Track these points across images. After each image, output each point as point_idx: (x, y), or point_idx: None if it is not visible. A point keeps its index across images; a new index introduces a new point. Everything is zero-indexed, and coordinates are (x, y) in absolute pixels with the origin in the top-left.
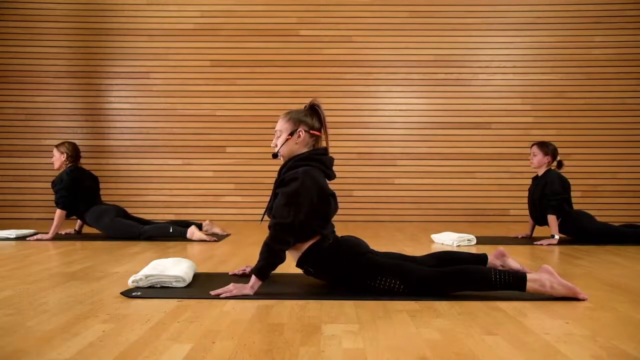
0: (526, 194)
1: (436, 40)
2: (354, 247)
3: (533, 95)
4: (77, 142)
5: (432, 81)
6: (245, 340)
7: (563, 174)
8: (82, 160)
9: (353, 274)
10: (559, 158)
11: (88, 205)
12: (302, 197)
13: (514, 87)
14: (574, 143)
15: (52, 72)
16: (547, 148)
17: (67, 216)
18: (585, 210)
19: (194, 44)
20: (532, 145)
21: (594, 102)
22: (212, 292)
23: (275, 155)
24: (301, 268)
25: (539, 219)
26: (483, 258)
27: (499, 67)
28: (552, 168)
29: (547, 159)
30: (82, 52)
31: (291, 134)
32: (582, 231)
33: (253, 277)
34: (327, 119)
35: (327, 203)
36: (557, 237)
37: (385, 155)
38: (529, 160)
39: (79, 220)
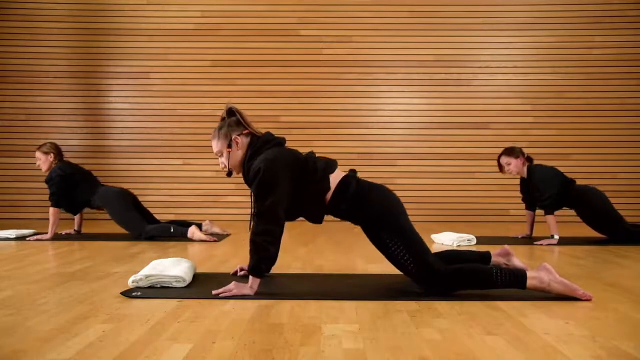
0: None
1: (436, 40)
2: (390, 198)
3: (533, 95)
4: (77, 142)
5: (432, 81)
6: (245, 340)
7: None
8: (83, 161)
9: (377, 222)
10: (526, 154)
11: (91, 192)
12: (275, 180)
13: (514, 87)
14: (574, 143)
15: (52, 72)
16: (513, 152)
17: (76, 209)
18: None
19: (194, 44)
20: (499, 157)
21: (594, 102)
22: (214, 292)
23: (229, 174)
24: (332, 211)
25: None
26: (486, 256)
27: (499, 67)
28: (528, 164)
29: (520, 160)
30: (82, 52)
31: (229, 147)
32: (586, 206)
33: (251, 277)
34: (328, 119)
35: (302, 159)
36: (557, 237)
37: (385, 155)
38: (503, 173)
39: (77, 220)
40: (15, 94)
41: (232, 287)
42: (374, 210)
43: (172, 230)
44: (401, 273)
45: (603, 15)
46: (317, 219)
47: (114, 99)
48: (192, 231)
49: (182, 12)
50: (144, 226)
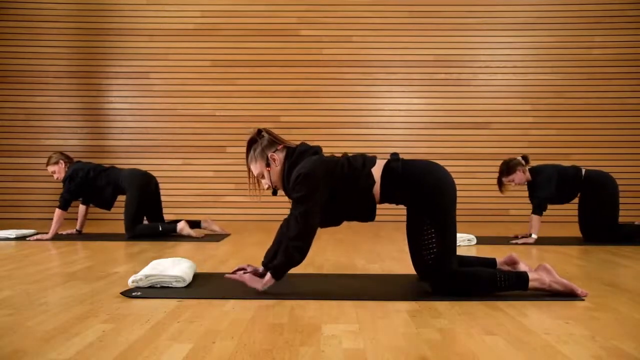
0: (527, 194)
1: (436, 40)
2: (446, 182)
3: (533, 95)
4: (77, 142)
5: (432, 81)
6: (245, 340)
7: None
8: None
9: (425, 205)
10: (519, 157)
11: (114, 176)
12: (313, 187)
13: (514, 87)
14: (574, 143)
15: (52, 72)
16: (510, 168)
17: (108, 201)
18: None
19: (194, 44)
20: (501, 179)
21: (594, 102)
22: (226, 275)
23: (274, 193)
24: (387, 201)
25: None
26: (492, 262)
27: (499, 67)
28: (528, 168)
29: (520, 170)
30: (82, 52)
31: (268, 165)
32: (598, 190)
33: (268, 274)
34: (328, 119)
35: (340, 164)
36: (535, 236)
37: (385, 156)
38: (502, 193)
39: (80, 220)
40: (15, 94)
41: (247, 277)
42: (426, 193)
43: (160, 229)
44: (401, 273)
45: (603, 15)
46: (369, 217)
47: (114, 99)
48: (182, 226)
49: (182, 12)
50: (136, 226)
